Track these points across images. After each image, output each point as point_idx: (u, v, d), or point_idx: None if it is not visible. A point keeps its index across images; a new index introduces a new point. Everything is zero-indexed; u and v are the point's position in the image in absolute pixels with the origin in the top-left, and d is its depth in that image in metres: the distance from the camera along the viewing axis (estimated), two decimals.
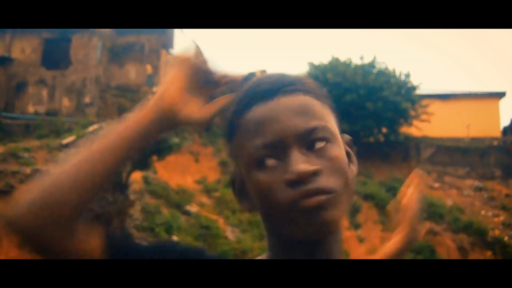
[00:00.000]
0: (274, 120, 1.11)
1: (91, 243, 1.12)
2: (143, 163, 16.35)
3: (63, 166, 1.13)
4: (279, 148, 1.10)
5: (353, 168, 1.20)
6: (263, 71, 31.65)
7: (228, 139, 1.21)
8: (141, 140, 1.15)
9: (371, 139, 27.76)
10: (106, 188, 1.17)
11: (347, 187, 1.11)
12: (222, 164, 24.01)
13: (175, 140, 16.01)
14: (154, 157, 16.42)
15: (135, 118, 1.16)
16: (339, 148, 1.14)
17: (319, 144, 1.11)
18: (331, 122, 1.16)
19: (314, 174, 1.07)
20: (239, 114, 1.16)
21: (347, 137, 1.23)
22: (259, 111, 1.13)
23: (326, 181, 1.08)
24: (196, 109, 1.17)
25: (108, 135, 1.16)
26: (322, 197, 1.06)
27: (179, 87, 1.17)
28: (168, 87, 1.17)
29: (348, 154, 1.19)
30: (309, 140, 1.11)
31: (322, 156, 1.10)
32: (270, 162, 1.10)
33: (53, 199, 1.08)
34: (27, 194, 1.09)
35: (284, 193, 1.07)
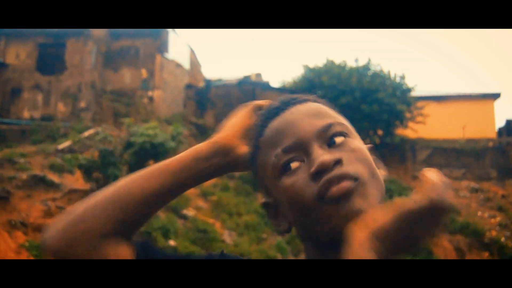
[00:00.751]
0: (290, 126, 1.13)
1: (120, 257, 1.18)
2: (139, 168, 16.30)
3: (101, 191, 1.22)
4: (300, 149, 1.11)
5: (382, 172, 1.18)
6: (258, 75, 31.69)
7: (253, 164, 1.23)
8: (187, 170, 1.24)
9: (367, 141, 27.70)
10: (144, 214, 1.24)
11: (375, 179, 1.10)
12: None
13: (172, 144, 16.00)
14: (151, 161, 16.40)
15: (191, 149, 1.27)
16: (360, 142, 1.14)
17: (339, 139, 1.11)
18: (347, 122, 1.18)
19: (337, 163, 1.07)
20: (259, 136, 1.19)
21: (368, 145, 1.21)
22: (274, 124, 1.16)
23: (350, 168, 1.07)
24: (245, 150, 1.25)
25: (159, 163, 1.26)
26: (347, 183, 1.05)
27: (238, 130, 1.28)
28: (229, 127, 1.30)
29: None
30: (328, 137, 1.12)
31: (344, 149, 1.10)
32: (294, 165, 1.11)
33: (81, 223, 1.15)
34: (61, 219, 1.17)
35: (310, 187, 1.07)
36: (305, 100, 1.19)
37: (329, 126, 1.12)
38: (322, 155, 1.07)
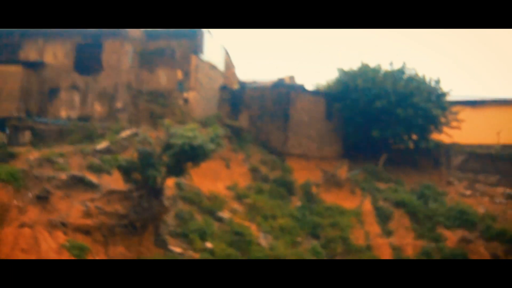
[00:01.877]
0: None
1: None
2: (177, 169, 16.38)
3: None
4: None
5: None
6: (292, 77, 31.68)
7: None
8: None
9: (401, 146, 27.66)
10: None
11: None
12: (253, 170, 23.96)
13: (211, 146, 16.01)
14: (189, 164, 16.46)
15: None
16: None
17: None
18: None
19: None
20: None
21: None
22: None
23: None
24: None
25: None
26: None
27: None
28: None
29: None
30: None
31: None
32: None
33: None
34: None
35: None
36: None
37: None
38: None
